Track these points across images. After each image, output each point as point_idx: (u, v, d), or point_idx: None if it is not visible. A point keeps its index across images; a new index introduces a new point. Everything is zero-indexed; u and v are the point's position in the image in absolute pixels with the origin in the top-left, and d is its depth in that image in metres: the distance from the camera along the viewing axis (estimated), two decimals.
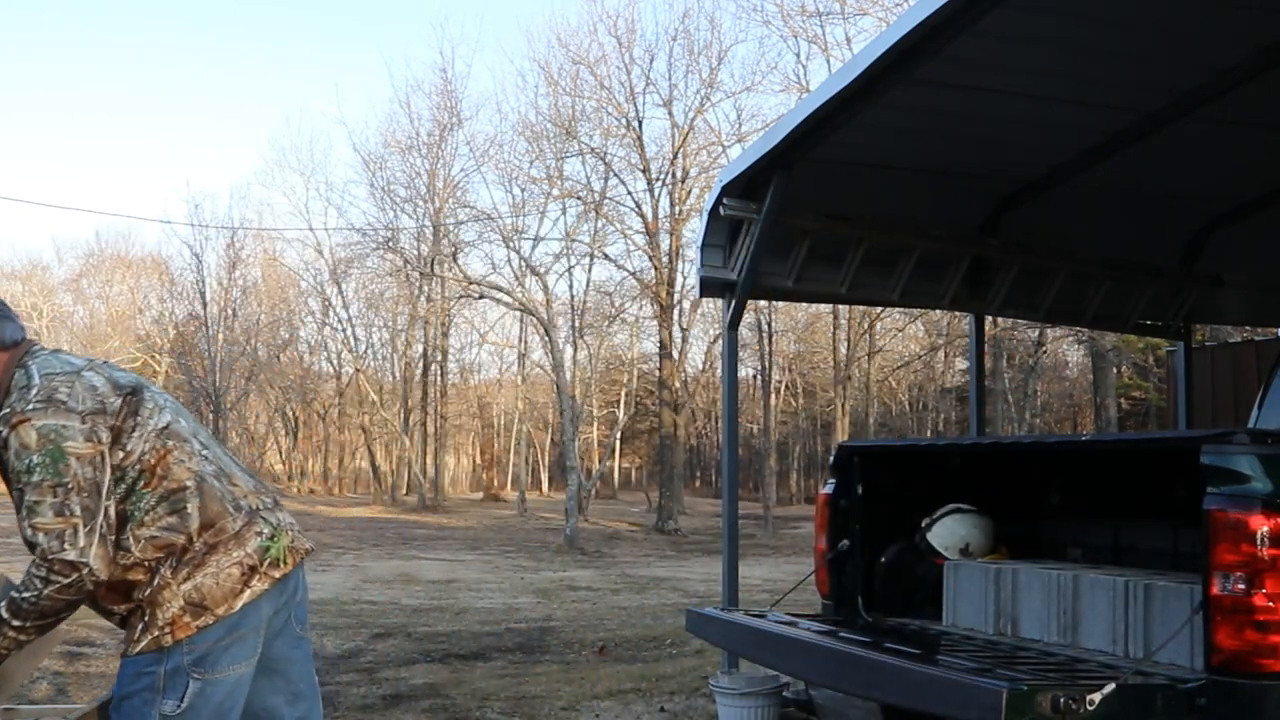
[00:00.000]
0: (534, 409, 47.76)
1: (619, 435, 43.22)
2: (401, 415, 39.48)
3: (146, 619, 2.65)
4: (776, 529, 27.67)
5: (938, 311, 22.56)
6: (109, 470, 2.63)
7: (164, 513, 2.68)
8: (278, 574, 2.78)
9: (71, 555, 2.53)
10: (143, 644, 2.65)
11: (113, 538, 2.63)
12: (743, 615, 4.58)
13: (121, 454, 2.66)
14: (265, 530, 2.79)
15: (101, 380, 2.72)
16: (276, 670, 2.88)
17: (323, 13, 79.82)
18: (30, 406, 2.61)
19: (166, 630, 2.64)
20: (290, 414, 48.96)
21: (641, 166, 28.76)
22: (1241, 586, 2.99)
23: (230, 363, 40.66)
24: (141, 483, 2.67)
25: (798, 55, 40.91)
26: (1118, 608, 3.76)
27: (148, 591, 2.65)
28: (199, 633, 2.64)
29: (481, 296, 30.66)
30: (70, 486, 2.55)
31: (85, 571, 2.55)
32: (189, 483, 2.72)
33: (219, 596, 2.67)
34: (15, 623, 2.58)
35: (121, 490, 2.66)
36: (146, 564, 2.66)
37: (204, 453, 2.80)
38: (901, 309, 24.76)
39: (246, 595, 2.70)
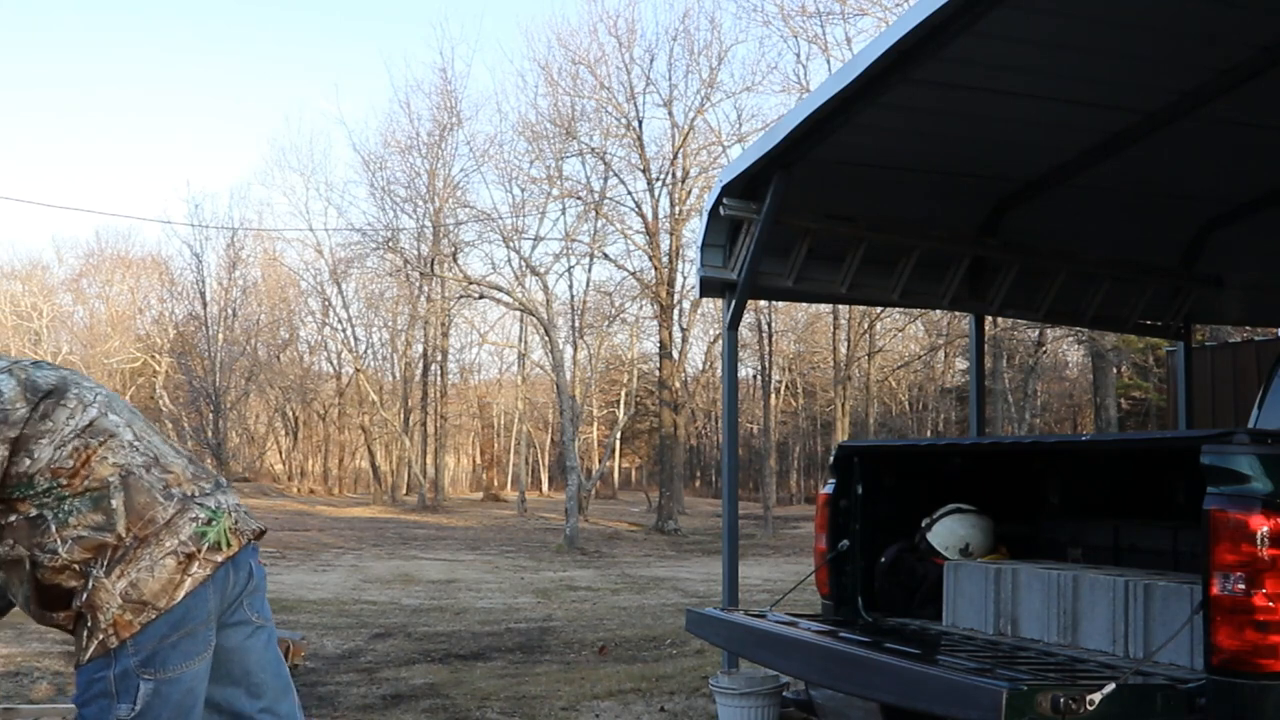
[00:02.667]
0: (534, 409, 47.76)
1: (619, 435, 43.19)
2: (401, 415, 39.49)
3: (89, 624, 2.58)
4: (776, 529, 27.67)
5: (938, 311, 22.56)
6: None
7: (87, 511, 2.61)
8: (219, 558, 2.67)
9: None
10: (90, 650, 2.57)
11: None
12: (743, 615, 4.58)
13: (28, 461, 2.60)
14: (201, 515, 2.70)
15: (12, 386, 2.65)
16: (232, 661, 2.79)
17: (323, 13, 79.81)
18: None
19: (110, 632, 2.57)
20: (290, 414, 48.96)
21: (641, 166, 28.77)
22: (1241, 586, 2.99)
23: (230, 363, 40.68)
24: (58, 485, 2.61)
25: (798, 55, 40.98)
26: (1118, 608, 3.76)
27: (85, 596, 2.58)
28: (142, 630, 2.57)
29: (481, 296, 30.66)
30: None
31: None
32: (112, 479, 2.64)
33: (157, 589, 2.58)
34: None
35: (33, 494, 2.60)
36: (76, 567, 2.59)
37: (135, 444, 2.72)
38: (901, 309, 24.77)
39: (188, 584, 2.60)
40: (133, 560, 2.60)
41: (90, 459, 2.64)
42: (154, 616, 2.57)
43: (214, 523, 2.70)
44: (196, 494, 2.74)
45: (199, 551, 2.65)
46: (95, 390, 2.79)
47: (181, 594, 2.60)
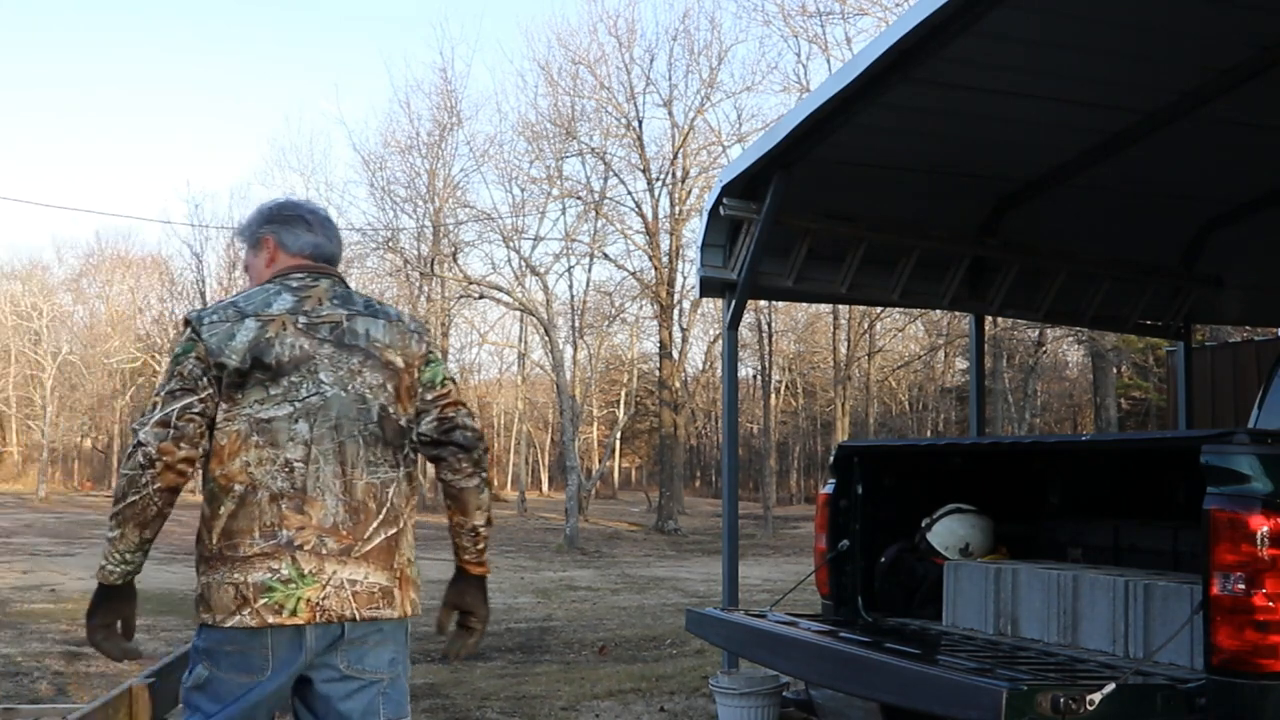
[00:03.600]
0: (534, 409, 47.76)
1: (619, 435, 43.20)
2: None
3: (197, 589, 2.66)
4: (776, 529, 27.67)
5: (938, 311, 22.56)
6: (210, 382, 2.59)
7: (208, 498, 2.61)
8: (273, 619, 2.53)
9: (138, 428, 2.56)
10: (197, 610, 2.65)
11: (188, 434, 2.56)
12: (743, 615, 4.58)
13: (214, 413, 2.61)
14: (284, 571, 2.54)
15: (246, 337, 2.60)
16: (314, 698, 2.68)
17: (323, 13, 79.83)
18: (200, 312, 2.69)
19: (198, 610, 2.64)
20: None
21: (641, 166, 28.77)
22: (1241, 586, 2.99)
23: None
24: (209, 455, 2.61)
25: (798, 55, 41.00)
26: (1118, 608, 3.76)
27: (197, 558, 2.65)
28: (204, 627, 2.60)
29: (481, 296, 30.65)
30: (174, 373, 2.60)
31: (139, 445, 2.52)
32: (236, 485, 2.58)
33: (217, 605, 2.57)
34: (112, 511, 2.58)
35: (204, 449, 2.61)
36: (203, 515, 2.63)
37: (291, 465, 2.59)
38: (901, 309, 24.77)
39: (235, 620, 2.54)
40: (210, 569, 2.59)
41: (237, 451, 2.58)
42: (210, 623, 2.58)
43: (292, 584, 2.55)
44: (305, 546, 2.57)
45: (254, 601, 2.54)
46: (319, 391, 2.64)
47: (230, 623, 2.55)
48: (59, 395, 44.77)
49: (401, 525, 2.72)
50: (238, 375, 2.58)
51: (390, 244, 33.64)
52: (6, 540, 20.99)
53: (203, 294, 41.44)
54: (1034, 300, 7.77)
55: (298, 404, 2.61)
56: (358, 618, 2.60)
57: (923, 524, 4.79)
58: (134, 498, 2.53)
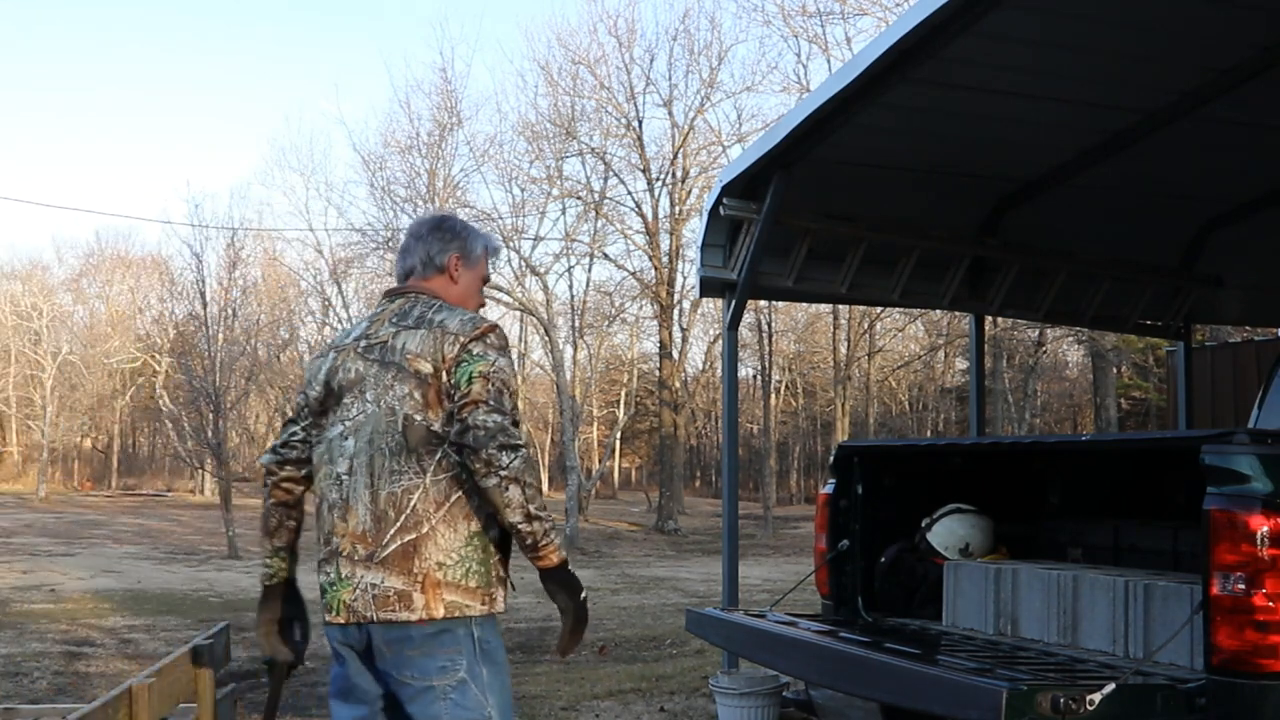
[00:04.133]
0: (534, 409, 47.73)
1: (619, 435, 43.19)
2: None
3: None
4: (776, 529, 27.66)
5: (938, 311, 22.55)
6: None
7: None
8: (328, 618, 2.84)
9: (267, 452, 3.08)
10: None
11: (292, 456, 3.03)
12: (743, 615, 4.58)
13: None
14: (331, 574, 2.83)
15: (324, 369, 2.96)
16: (352, 694, 2.95)
17: (323, 13, 79.79)
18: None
19: None
20: (290, 414, 48.89)
21: (641, 166, 28.77)
22: (1241, 586, 2.99)
23: (230, 363, 40.60)
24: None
25: (798, 55, 40.90)
26: (1118, 608, 3.76)
27: None
28: None
29: None
30: (294, 403, 3.16)
31: (263, 466, 3.04)
32: (318, 500, 2.95)
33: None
34: None
35: None
36: None
37: (340, 479, 2.85)
38: (901, 309, 24.76)
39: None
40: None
41: (318, 469, 2.95)
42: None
43: (335, 587, 2.82)
44: (344, 553, 2.81)
45: (319, 600, 2.88)
46: (363, 409, 2.85)
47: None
48: (59, 395, 44.77)
49: (425, 531, 2.77)
50: (319, 403, 2.95)
51: (390, 244, 33.61)
52: (6, 540, 21.00)
53: (203, 294, 41.30)
54: (1034, 300, 7.76)
55: (347, 423, 2.87)
56: (376, 620, 2.76)
57: (923, 524, 4.79)
58: (263, 511, 3.04)
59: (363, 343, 2.90)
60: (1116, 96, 6.05)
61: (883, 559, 4.83)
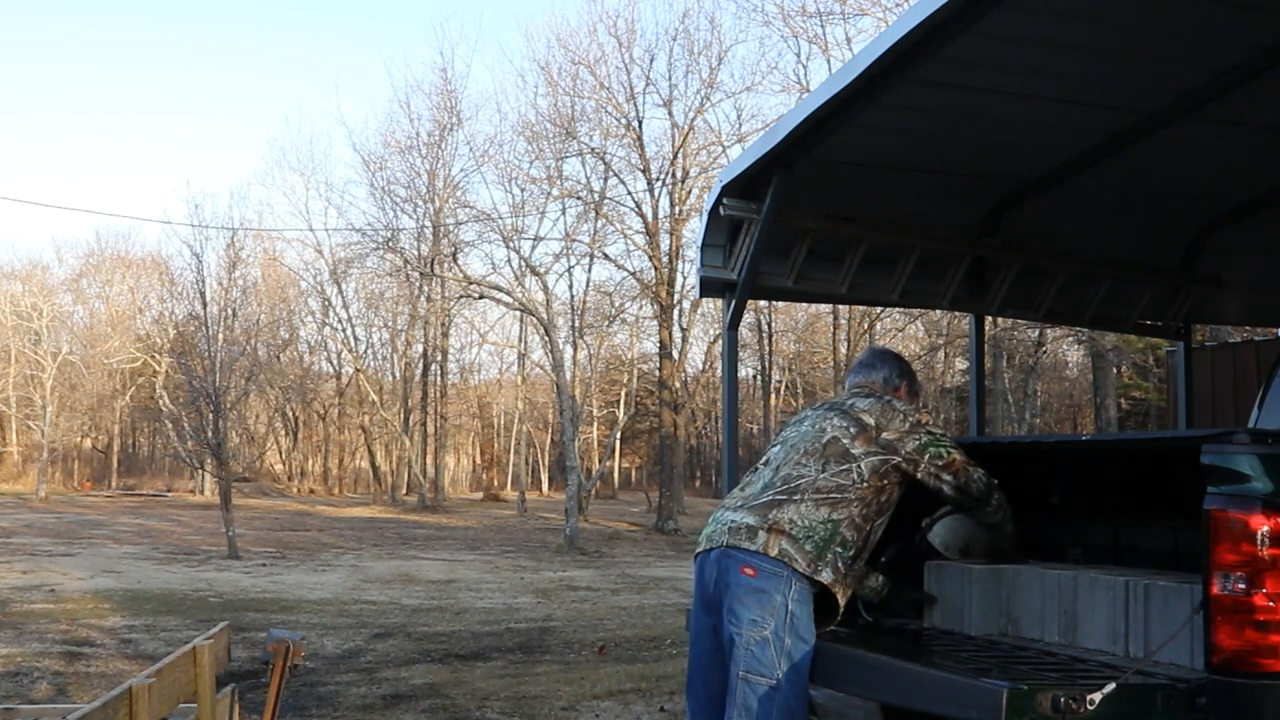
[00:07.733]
0: (534, 409, 47.76)
1: (619, 435, 43.20)
2: (401, 415, 39.46)
3: None
4: None
5: (938, 311, 22.55)
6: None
7: None
8: (697, 549, 3.75)
9: None
10: None
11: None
12: None
13: None
14: (712, 520, 3.76)
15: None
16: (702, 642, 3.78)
17: (323, 13, 79.89)
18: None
19: None
20: (290, 414, 48.96)
21: (641, 166, 28.79)
22: (1242, 586, 2.99)
23: (230, 363, 40.56)
24: None
25: (798, 55, 41.03)
26: (1118, 608, 3.76)
27: None
28: None
29: (481, 296, 30.68)
30: None
31: None
32: None
33: None
34: None
35: None
36: None
37: (760, 467, 3.88)
38: (901, 309, 24.77)
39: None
40: None
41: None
42: None
43: (709, 525, 3.75)
44: (727, 507, 3.79)
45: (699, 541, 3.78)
46: (802, 421, 3.98)
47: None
48: (59, 395, 44.78)
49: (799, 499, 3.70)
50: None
51: (390, 244, 33.68)
52: (6, 540, 21.01)
53: (203, 294, 41.25)
54: (1034, 300, 7.76)
55: (787, 431, 4.08)
56: (735, 544, 3.58)
57: (923, 524, 4.78)
58: None
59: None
60: (1116, 96, 6.05)
61: (883, 559, 4.83)
